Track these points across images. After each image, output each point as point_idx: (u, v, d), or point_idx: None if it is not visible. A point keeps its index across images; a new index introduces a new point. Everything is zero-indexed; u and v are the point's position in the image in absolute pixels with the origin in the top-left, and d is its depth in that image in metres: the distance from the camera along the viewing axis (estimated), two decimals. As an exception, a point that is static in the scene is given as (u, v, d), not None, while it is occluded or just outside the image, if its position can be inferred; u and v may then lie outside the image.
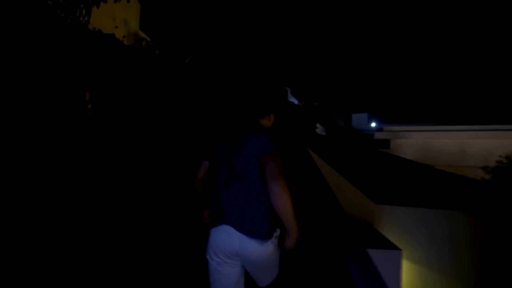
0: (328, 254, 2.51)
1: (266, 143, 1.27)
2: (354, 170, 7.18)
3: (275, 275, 1.39)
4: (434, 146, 12.04)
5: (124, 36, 5.38)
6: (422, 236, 5.93)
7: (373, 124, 21.25)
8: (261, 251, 1.27)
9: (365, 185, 6.45)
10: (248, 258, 1.29)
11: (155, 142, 3.77)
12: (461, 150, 11.53)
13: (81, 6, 3.28)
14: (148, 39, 5.58)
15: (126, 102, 3.73)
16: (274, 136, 1.33)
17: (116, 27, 5.02)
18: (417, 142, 12.43)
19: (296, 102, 18.65)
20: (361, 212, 6.47)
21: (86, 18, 3.40)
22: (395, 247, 5.24)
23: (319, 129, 15.58)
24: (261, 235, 1.26)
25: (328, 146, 10.20)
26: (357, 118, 22.32)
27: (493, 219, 5.44)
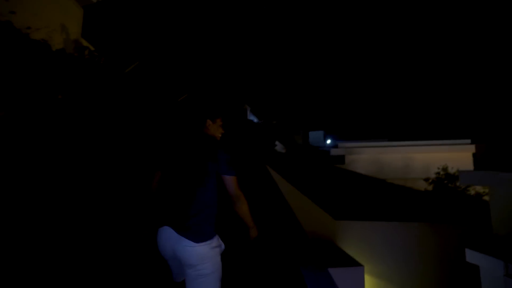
0: (286, 275, 2.38)
1: (229, 165, 1.43)
2: (313, 188, 7.21)
3: None
4: (384, 160, 12.91)
5: (61, 44, 4.75)
6: (381, 249, 6.02)
7: (329, 141, 22.37)
8: (190, 251, 1.33)
9: (325, 202, 6.47)
10: (179, 255, 1.36)
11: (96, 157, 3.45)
12: (406, 164, 12.53)
13: None
14: (92, 48, 5.01)
15: (62, 115, 3.33)
16: (234, 155, 1.46)
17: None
18: (369, 157, 13.20)
19: (255, 120, 18.86)
20: (321, 229, 6.37)
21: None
22: (357, 263, 5.18)
23: (278, 146, 15.79)
24: (196, 239, 1.34)
25: (288, 163, 10.28)
26: (314, 136, 23.34)
27: (442, 227, 5.81)
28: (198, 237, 1.36)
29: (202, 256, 1.34)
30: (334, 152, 14.54)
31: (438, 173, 8.07)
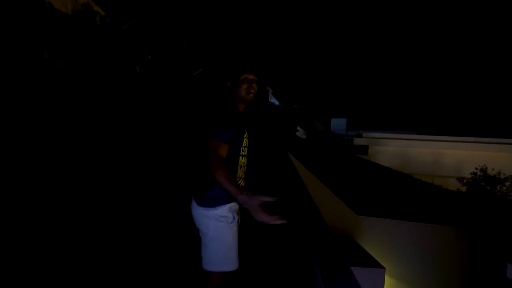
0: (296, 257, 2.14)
1: (214, 127, 1.26)
2: (335, 178, 6.80)
3: (212, 264, 1.29)
4: (411, 154, 12.11)
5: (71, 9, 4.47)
6: (404, 250, 5.59)
7: (352, 130, 21.43)
8: (194, 211, 1.33)
9: (347, 195, 6.07)
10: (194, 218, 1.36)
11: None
12: (436, 160, 11.67)
13: None
14: (103, 13, 4.70)
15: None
16: (229, 117, 1.29)
17: None
18: (395, 149, 12.43)
19: (277, 103, 18.27)
20: (341, 223, 6.00)
21: None
22: (378, 265, 4.82)
23: (300, 132, 15.29)
24: (197, 201, 1.31)
25: (309, 150, 9.84)
26: (336, 123, 22.41)
27: (476, 234, 5.26)
28: (200, 200, 1.31)
29: (202, 220, 1.31)
30: (357, 141, 13.85)
31: (475, 173, 7.31)
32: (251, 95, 1.36)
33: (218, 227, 1.30)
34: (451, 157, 11.51)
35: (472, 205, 6.02)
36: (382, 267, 4.58)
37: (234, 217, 1.33)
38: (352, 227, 5.81)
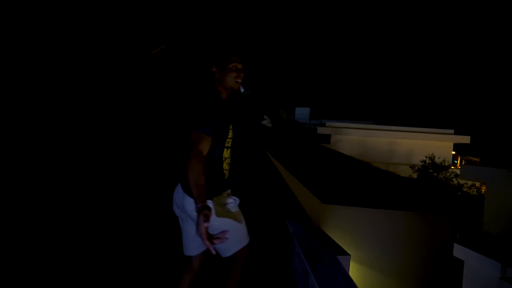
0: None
1: (198, 117, 1.22)
2: (301, 168, 6.87)
3: (233, 245, 1.32)
4: (369, 143, 12.86)
5: None
6: (369, 236, 5.90)
7: (315, 119, 22.09)
8: (189, 202, 1.26)
9: (313, 184, 6.16)
10: (187, 213, 1.31)
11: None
12: (390, 149, 12.58)
13: None
14: None
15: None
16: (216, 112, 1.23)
17: None
18: (355, 138, 13.08)
19: (242, 90, 17.87)
20: (308, 212, 6.08)
21: None
22: (344, 252, 5.00)
23: (265, 120, 15.25)
24: (188, 191, 1.27)
25: (276, 140, 9.85)
26: (300, 112, 22.89)
27: (427, 217, 5.76)
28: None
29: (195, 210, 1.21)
30: (320, 130, 14.30)
31: (424, 161, 8.04)
32: (239, 84, 1.31)
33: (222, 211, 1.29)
34: (403, 146, 12.52)
35: (423, 191, 6.59)
36: (347, 254, 4.74)
37: (229, 201, 1.35)
38: (318, 216, 5.93)
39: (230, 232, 1.22)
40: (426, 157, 7.97)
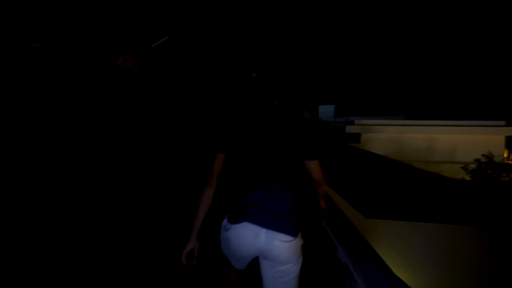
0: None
1: (318, 147, 1.30)
2: (336, 175, 6.17)
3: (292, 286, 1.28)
4: (404, 140, 11.76)
5: None
6: (422, 255, 5.11)
7: (340, 117, 21.03)
8: (287, 248, 1.22)
9: (352, 195, 5.44)
10: (270, 255, 1.23)
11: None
12: (429, 145, 11.40)
13: None
14: None
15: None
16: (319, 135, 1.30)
17: None
18: (388, 136, 12.04)
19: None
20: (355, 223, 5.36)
21: None
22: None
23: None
24: (289, 231, 1.21)
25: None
26: (324, 110, 21.91)
27: (493, 232, 4.83)
28: (295, 230, 1.22)
29: (298, 251, 1.24)
30: (349, 129, 13.36)
31: (478, 160, 6.92)
32: None
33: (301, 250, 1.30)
34: (444, 142, 11.28)
35: (485, 198, 5.62)
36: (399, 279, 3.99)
37: None
38: (362, 230, 5.18)
39: (294, 270, 1.31)
40: (484, 155, 6.83)
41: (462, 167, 7.31)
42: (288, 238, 1.19)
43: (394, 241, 5.09)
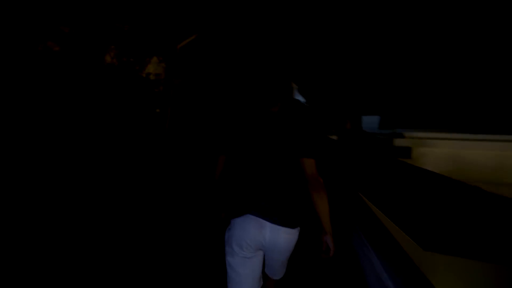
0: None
1: (312, 144, 1.38)
2: (389, 199, 5.48)
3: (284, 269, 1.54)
4: (467, 158, 10.29)
5: None
6: None
7: (386, 128, 19.49)
8: (290, 240, 1.37)
9: (410, 225, 4.74)
10: (276, 248, 1.34)
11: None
12: (501, 164, 9.80)
13: None
14: None
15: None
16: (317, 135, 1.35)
17: None
18: (446, 152, 10.68)
19: (303, 100, 16.99)
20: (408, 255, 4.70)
21: None
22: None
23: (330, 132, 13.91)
24: (291, 225, 1.36)
25: (347, 157, 8.54)
26: (368, 121, 20.55)
27: None
28: (296, 223, 1.37)
29: (294, 242, 1.41)
30: (398, 142, 12.19)
31: None
32: None
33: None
34: (519, 161, 9.58)
35: None
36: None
37: None
38: (421, 262, 4.46)
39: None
40: None
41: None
42: (291, 231, 1.30)
43: (458, 280, 4.25)
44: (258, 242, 1.30)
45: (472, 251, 4.42)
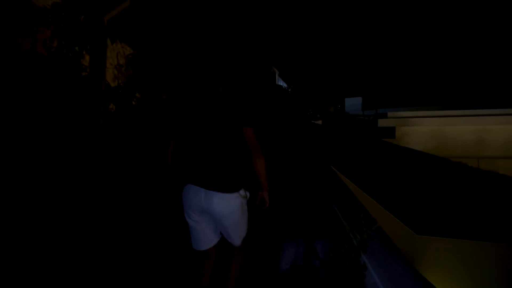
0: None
1: (250, 116, 1.49)
2: (375, 181, 5.29)
3: (243, 235, 1.60)
4: (449, 134, 10.37)
5: None
6: (489, 280, 4.15)
7: (369, 109, 19.53)
8: (224, 204, 1.45)
9: (398, 206, 4.55)
10: (214, 212, 1.47)
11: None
12: (480, 139, 9.93)
13: None
14: None
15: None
16: (254, 107, 1.50)
17: None
18: (429, 129, 10.71)
19: (284, 85, 16.54)
20: (397, 241, 4.52)
21: None
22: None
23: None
24: (223, 189, 1.45)
25: (332, 142, 8.29)
26: (351, 103, 20.54)
27: None
28: (230, 188, 1.45)
29: (233, 206, 1.47)
30: (382, 123, 12.11)
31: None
32: None
33: (244, 206, 1.55)
34: (498, 133, 9.74)
35: None
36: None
37: (247, 193, 1.57)
38: (410, 248, 4.30)
39: (240, 220, 1.53)
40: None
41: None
42: (223, 195, 1.42)
43: (451, 263, 4.16)
44: (199, 207, 1.44)
45: (461, 231, 4.28)
